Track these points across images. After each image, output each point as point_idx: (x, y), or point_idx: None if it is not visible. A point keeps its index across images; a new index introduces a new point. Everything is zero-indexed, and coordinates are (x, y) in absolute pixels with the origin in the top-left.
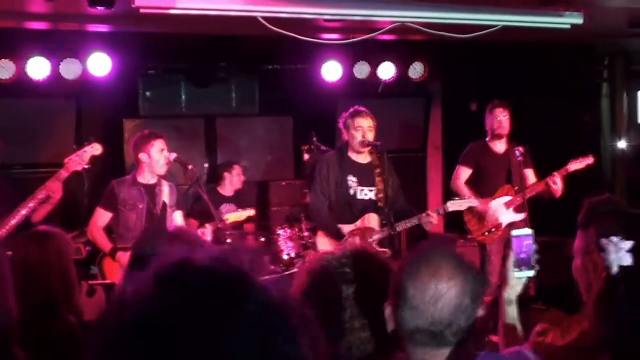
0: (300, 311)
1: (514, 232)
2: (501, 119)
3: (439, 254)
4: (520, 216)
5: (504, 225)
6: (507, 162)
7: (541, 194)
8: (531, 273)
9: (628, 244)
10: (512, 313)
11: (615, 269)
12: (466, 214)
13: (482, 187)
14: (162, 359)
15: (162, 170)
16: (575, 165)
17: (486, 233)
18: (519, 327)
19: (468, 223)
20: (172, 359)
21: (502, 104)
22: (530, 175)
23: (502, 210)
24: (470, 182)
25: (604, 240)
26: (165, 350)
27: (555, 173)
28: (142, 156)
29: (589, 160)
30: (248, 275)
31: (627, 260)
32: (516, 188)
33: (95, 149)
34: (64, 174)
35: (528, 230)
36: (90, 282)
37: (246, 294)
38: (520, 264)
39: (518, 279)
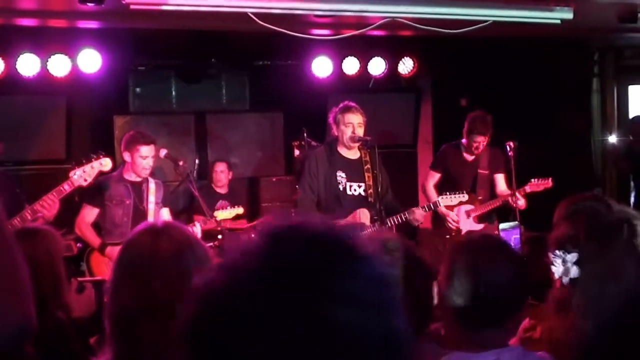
0: (398, 284)
1: (502, 226)
2: (476, 145)
3: (495, 240)
4: (479, 226)
5: (463, 233)
6: (475, 169)
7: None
8: None
9: (574, 256)
10: None
11: (566, 280)
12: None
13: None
14: (279, 309)
15: (142, 174)
16: (532, 187)
17: (447, 237)
18: None
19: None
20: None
21: (480, 130)
22: (500, 180)
23: (463, 217)
24: (439, 186)
25: (551, 255)
26: (282, 301)
27: (516, 193)
28: (126, 155)
29: (548, 184)
30: (358, 244)
31: (574, 272)
32: (480, 198)
33: (105, 164)
34: (67, 188)
35: (515, 224)
36: (79, 278)
37: (359, 257)
38: None
39: None
